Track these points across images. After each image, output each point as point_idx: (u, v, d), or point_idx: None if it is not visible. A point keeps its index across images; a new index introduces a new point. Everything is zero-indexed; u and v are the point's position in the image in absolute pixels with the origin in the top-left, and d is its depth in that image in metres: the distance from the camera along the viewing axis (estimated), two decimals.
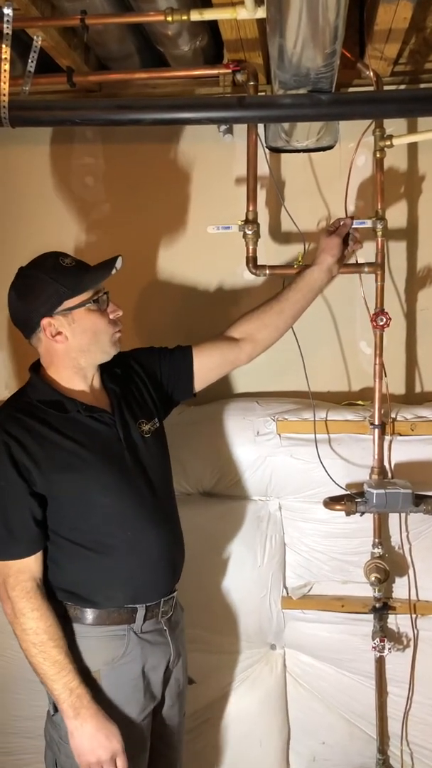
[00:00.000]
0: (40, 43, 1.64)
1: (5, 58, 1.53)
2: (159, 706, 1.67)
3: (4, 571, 1.50)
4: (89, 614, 1.56)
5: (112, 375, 1.69)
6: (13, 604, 1.49)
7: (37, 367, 1.65)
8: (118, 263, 1.61)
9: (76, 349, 1.58)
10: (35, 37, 1.64)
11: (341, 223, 1.83)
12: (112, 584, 1.57)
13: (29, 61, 1.64)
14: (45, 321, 1.55)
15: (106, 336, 1.60)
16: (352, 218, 1.85)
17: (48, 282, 1.54)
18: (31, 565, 1.52)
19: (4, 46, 1.51)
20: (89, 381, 1.64)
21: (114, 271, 1.61)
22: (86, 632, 1.55)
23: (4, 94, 1.55)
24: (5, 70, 1.53)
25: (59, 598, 1.56)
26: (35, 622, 1.48)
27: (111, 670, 1.55)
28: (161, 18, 1.56)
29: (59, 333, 1.56)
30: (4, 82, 1.54)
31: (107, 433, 1.60)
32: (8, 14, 1.49)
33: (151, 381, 1.76)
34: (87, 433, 1.57)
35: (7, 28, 1.50)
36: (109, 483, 1.57)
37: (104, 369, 1.67)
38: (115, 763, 1.49)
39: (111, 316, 1.61)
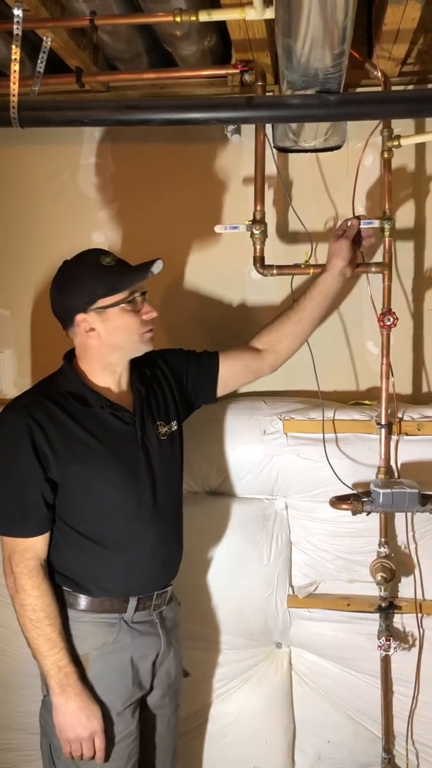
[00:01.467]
0: (49, 43, 1.65)
1: (15, 59, 1.53)
2: (148, 695, 1.72)
3: (10, 547, 1.57)
4: (82, 600, 1.62)
5: (140, 374, 1.73)
6: (16, 579, 1.56)
7: (70, 356, 1.70)
8: (156, 267, 1.63)
9: (108, 345, 1.63)
10: (45, 38, 1.65)
11: (348, 224, 1.84)
12: (107, 576, 1.63)
13: (38, 61, 1.65)
14: (79, 317, 1.60)
15: (136, 335, 1.64)
16: (359, 218, 1.85)
17: (86, 279, 1.59)
18: (37, 544, 1.58)
19: (14, 46, 1.52)
20: (117, 377, 1.68)
21: (151, 275, 1.63)
22: (78, 617, 1.61)
23: (14, 95, 1.56)
24: (15, 71, 1.54)
25: (56, 582, 1.62)
26: (34, 599, 1.54)
27: (100, 656, 1.61)
28: (170, 19, 1.56)
29: (92, 329, 1.60)
30: (14, 83, 1.55)
31: (125, 431, 1.65)
32: (18, 15, 1.49)
33: (176, 383, 1.81)
34: (106, 428, 1.62)
35: (17, 28, 1.50)
36: (117, 479, 1.62)
37: (134, 367, 1.71)
38: (93, 743, 1.56)
39: (145, 317, 1.64)
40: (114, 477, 1.61)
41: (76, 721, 1.54)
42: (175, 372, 1.82)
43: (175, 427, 1.76)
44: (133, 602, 1.64)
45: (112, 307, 1.60)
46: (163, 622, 1.71)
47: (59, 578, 1.62)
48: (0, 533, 1.59)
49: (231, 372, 1.85)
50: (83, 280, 1.59)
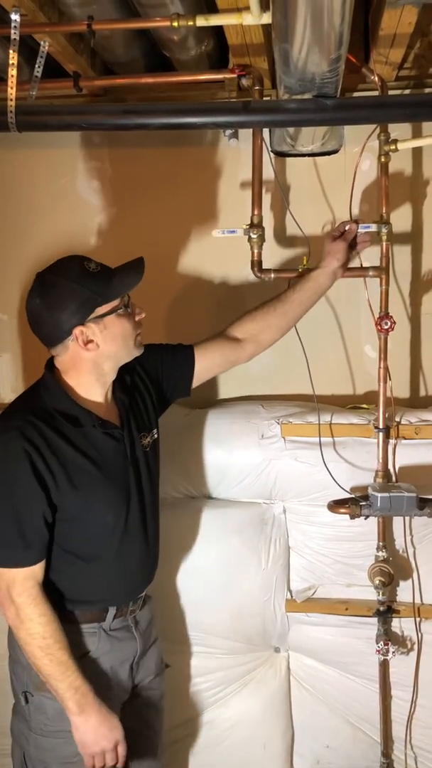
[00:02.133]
0: (47, 48, 1.66)
1: (13, 64, 1.54)
2: (133, 693, 1.73)
3: (10, 578, 1.51)
4: (61, 611, 1.58)
5: (122, 383, 1.69)
6: (20, 610, 1.50)
7: (51, 366, 1.63)
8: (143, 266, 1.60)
9: (105, 355, 1.57)
10: (42, 43, 1.65)
11: (346, 228, 1.83)
12: (92, 589, 1.62)
13: (36, 66, 1.65)
14: (77, 330, 1.52)
15: (132, 339, 1.61)
16: (357, 222, 1.85)
17: (77, 289, 1.51)
18: (37, 571, 1.53)
19: (11, 51, 1.52)
20: (106, 389, 1.63)
21: (142, 276, 1.60)
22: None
23: (12, 99, 1.56)
24: (12, 75, 1.54)
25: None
26: (42, 627, 1.50)
27: (81, 666, 1.57)
28: (167, 23, 1.56)
29: (90, 341, 1.54)
30: (12, 87, 1.56)
31: (116, 448, 1.62)
32: (15, 20, 1.49)
33: (154, 385, 1.78)
34: (98, 449, 1.59)
35: (15, 33, 1.50)
36: (111, 500, 1.60)
37: (117, 376, 1.66)
38: (116, 751, 1.56)
39: (137, 319, 1.62)
40: (108, 500, 1.59)
41: (100, 735, 1.53)
42: (152, 373, 1.78)
43: (156, 435, 1.74)
44: (112, 611, 1.64)
45: (109, 315, 1.55)
46: (137, 625, 1.72)
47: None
48: (1, 564, 1.52)
49: (208, 363, 1.81)
50: (76, 291, 1.51)
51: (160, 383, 1.79)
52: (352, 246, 1.85)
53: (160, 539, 1.76)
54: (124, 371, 1.68)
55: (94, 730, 1.52)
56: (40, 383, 1.63)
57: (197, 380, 1.82)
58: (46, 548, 1.55)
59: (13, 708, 1.67)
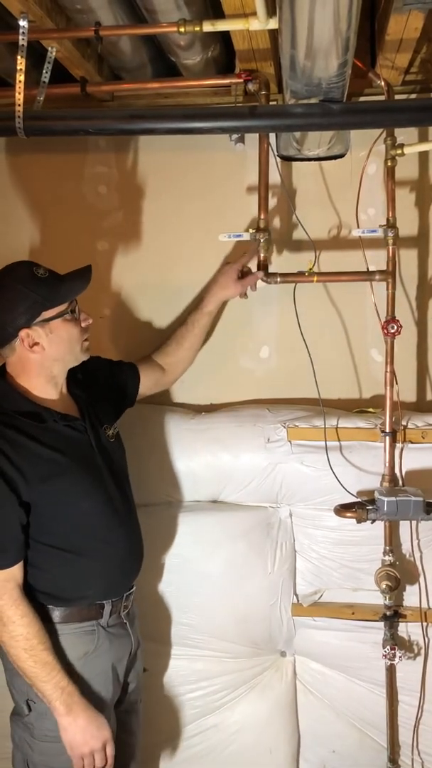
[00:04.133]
0: (54, 54, 1.67)
1: (20, 69, 1.54)
2: (122, 696, 1.74)
3: None
4: (60, 612, 1.61)
5: (75, 380, 1.75)
6: (2, 612, 1.52)
7: (2, 374, 1.67)
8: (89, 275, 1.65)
9: (51, 358, 1.62)
10: (50, 49, 1.66)
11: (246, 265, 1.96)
12: (86, 583, 1.63)
13: (44, 71, 1.67)
14: (23, 332, 1.57)
15: (78, 344, 1.65)
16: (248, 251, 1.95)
17: (25, 292, 1.57)
18: (15, 572, 1.55)
19: (19, 57, 1.53)
20: (59, 388, 1.69)
21: (88, 283, 1.65)
22: (57, 630, 1.60)
23: (19, 105, 1.57)
24: (20, 81, 1.55)
25: (39, 600, 1.59)
26: (25, 629, 1.52)
27: (84, 665, 1.61)
28: (174, 29, 1.57)
29: (36, 343, 1.59)
30: (19, 93, 1.56)
31: (80, 439, 1.66)
32: (23, 26, 1.50)
33: (108, 388, 1.85)
34: (63, 441, 1.62)
35: (23, 39, 1.51)
36: (86, 488, 1.63)
37: (68, 375, 1.72)
38: (105, 751, 1.57)
39: (83, 325, 1.66)
40: (82, 486, 1.62)
41: (88, 735, 1.54)
42: (106, 378, 1.86)
43: (117, 429, 1.79)
44: (108, 607, 1.65)
45: (55, 319, 1.60)
46: (131, 621, 1.74)
47: (39, 596, 1.59)
48: None
49: (147, 382, 1.95)
50: (23, 293, 1.56)
51: (113, 390, 1.87)
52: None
53: (141, 530, 1.78)
54: (75, 370, 1.73)
55: (83, 730, 1.53)
56: None
57: (139, 395, 1.93)
58: (24, 550, 1.56)
59: (11, 716, 1.66)
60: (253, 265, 1.99)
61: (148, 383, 1.96)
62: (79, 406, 1.71)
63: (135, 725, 1.83)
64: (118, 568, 1.69)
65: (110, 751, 1.58)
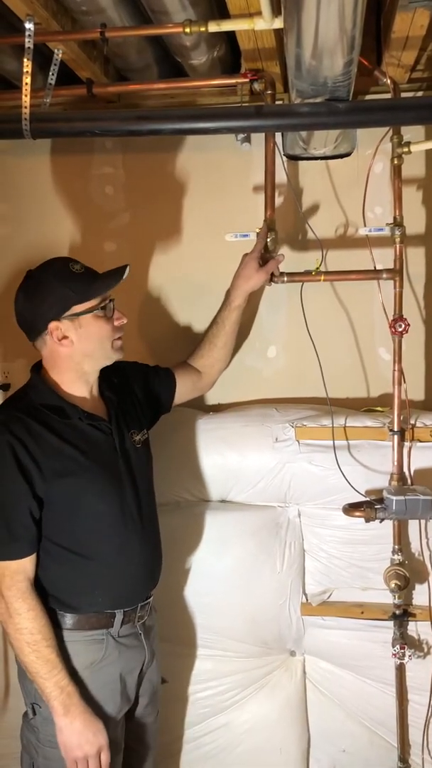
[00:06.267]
0: (60, 56, 1.67)
1: (27, 72, 1.55)
2: (133, 707, 1.73)
3: (0, 571, 1.53)
4: (69, 619, 1.60)
5: (109, 383, 1.74)
6: (9, 603, 1.52)
7: (38, 368, 1.68)
8: (126, 273, 1.65)
9: (81, 353, 1.62)
10: (56, 51, 1.67)
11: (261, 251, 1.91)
12: (95, 589, 1.61)
13: (50, 73, 1.67)
14: (52, 324, 1.59)
15: (109, 342, 1.65)
16: (266, 237, 1.91)
17: (57, 286, 1.58)
18: (26, 565, 1.55)
19: (25, 59, 1.53)
20: (90, 386, 1.68)
21: (121, 280, 1.64)
22: (66, 637, 1.59)
23: (26, 107, 1.58)
24: (27, 83, 1.56)
25: (50, 605, 1.59)
26: (30, 622, 1.52)
27: (90, 674, 1.60)
28: (179, 30, 1.58)
29: (65, 337, 1.60)
30: (26, 95, 1.57)
31: (104, 441, 1.65)
32: (30, 29, 1.51)
33: (142, 394, 1.84)
34: (86, 440, 1.62)
35: (29, 42, 1.52)
36: (104, 490, 1.62)
37: (103, 377, 1.72)
38: (99, 758, 1.55)
39: (116, 323, 1.66)
40: (99, 488, 1.61)
41: (83, 739, 1.52)
42: (141, 384, 1.86)
43: (147, 435, 1.78)
44: (119, 616, 1.64)
45: (86, 314, 1.60)
46: (146, 633, 1.72)
47: (45, 599, 1.59)
48: None
49: (183, 389, 1.94)
50: (55, 287, 1.58)
51: (148, 396, 1.86)
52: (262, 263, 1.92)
53: (161, 539, 1.77)
54: (112, 373, 1.74)
55: (79, 733, 1.52)
56: (26, 384, 1.69)
57: (176, 401, 1.93)
58: (36, 543, 1.56)
59: (23, 717, 1.67)
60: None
61: (184, 388, 1.94)
62: (109, 409, 1.70)
63: (148, 735, 1.80)
64: (130, 577, 1.66)
65: (105, 759, 1.55)
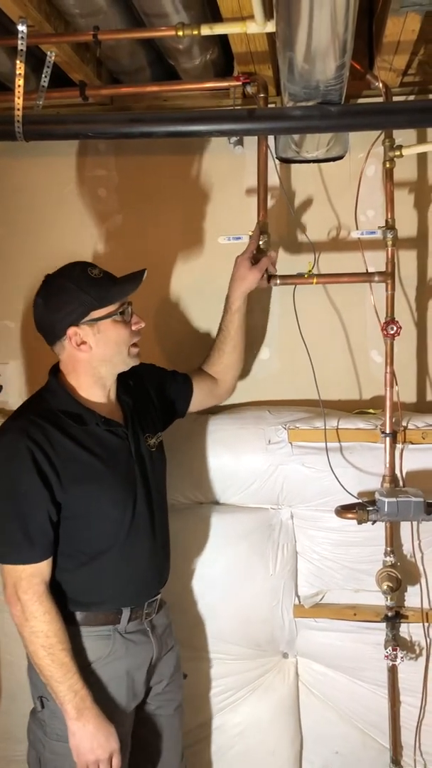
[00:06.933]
0: (53, 58, 1.67)
1: (20, 74, 1.55)
2: (145, 700, 1.73)
3: (16, 575, 1.53)
4: (77, 616, 1.61)
5: (126, 387, 1.74)
6: (25, 607, 1.52)
7: (55, 371, 1.69)
8: (144, 276, 1.65)
9: (99, 358, 1.63)
10: (49, 53, 1.67)
11: (253, 251, 1.89)
12: (103, 588, 1.63)
13: (43, 76, 1.67)
14: (71, 330, 1.59)
15: (126, 347, 1.65)
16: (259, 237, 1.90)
17: (76, 292, 1.58)
18: (43, 568, 1.55)
19: (18, 62, 1.53)
20: (107, 391, 1.69)
21: (140, 285, 1.65)
22: (73, 633, 1.59)
23: (19, 109, 1.57)
24: (19, 85, 1.56)
25: (63, 604, 1.59)
26: (46, 625, 1.52)
27: (97, 669, 1.60)
28: (172, 33, 1.58)
29: (84, 342, 1.60)
30: (19, 97, 1.57)
31: (120, 446, 1.66)
32: (22, 31, 1.51)
33: (158, 398, 1.84)
34: (103, 445, 1.62)
35: (22, 44, 1.52)
36: (119, 496, 1.63)
37: (119, 380, 1.72)
38: (111, 762, 1.55)
39: (134, 328, 1.66)
40: (115, 494, 1.62)
41: (96, 743, 1.52)
42: (157, 387, 1.86)
43: (161, 438, 1.79)
44: (126, 613, 1.65)
45: (105, 319, 1.60)
46: (154, 630, 1.72)
47: (60, 598, 1.59)
48: (6, 561, 1.55)
49: (199, 395, 1.93)
50: (74, 292, 1.58)
51: (163, 399, 1.86)
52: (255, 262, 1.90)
53: (170, 540, 1.78)
54: (127, 377, 1.74)
55: (91, 737, 1.52)
56: (44, 388, 1.69)
57: (192, 407, 1.93)
58: (52, 546, 1.57)
59: (30, 712, 1.67)
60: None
61: (201, 395, 1.94)
62: (125, 413, 1.71)
63: (165, 728, 1.80)
64: (139, 577, 1.67)
65: (116, 763, 1.55)
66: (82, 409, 1.62)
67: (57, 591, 1.59)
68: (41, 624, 1.52)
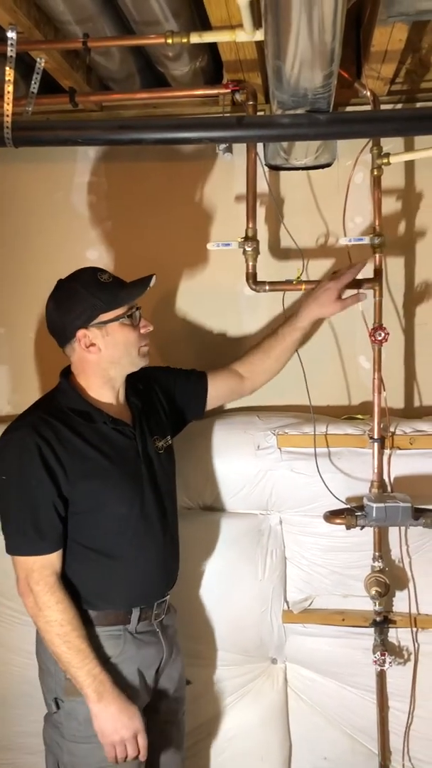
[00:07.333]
0: (43, 65, 1.68)
1: (9, 80, 1.55)
2: (152, 703, 1.74)
3: (28, 567, 1.57)
4: (88, 615, 1.62)
5: (135, 389, 1.78)
6: (38, 597, 1.56)
7: (66, 373, 1.73)
8: (152, 282, 1.68)
9: (107, 360, 1.66)
10: (38, 60, 1.68)
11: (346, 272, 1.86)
12: (113, 588, 1.65)
13: (32, 82, 1.68)
14: (80, 332, 1.63)
15: (135, 349, 1.69)
16: (353, 266, 1.87)
17: (85, 295, 1.62)
18: (54, 560, 1.59)
19: (8, 68, 1.54)
20: (116, 392, 1.72)
21: (147, 289, 1.68)
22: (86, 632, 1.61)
23: (8, 115, 1.58)
24: (9, 92, 1.56)
25: (78, 603, 1.61)
26: (60, 614, 1.55)
27: (110, 668, 1.61)
28: (162, 41, 1.59)
29: (93, 344, 1.64)
30: (8, 104, 1.58)
31: (128, 445, 1.69)
32: (12, 37, 1.52)
33: (167, 400, 1.86)
34: (110, 444, 1.65)
35: (11, 50, 1.52)
36: (125, 494, 1.65)
37: (129, 383, 1.75)
38: (137, 741, 1.58)
39: (142, 331, 1.70)
40: (121, 491, 1.64)
41: (120, 723, 1.56)
42: (166, 389, 1.87)
43: (170, 441, 1.81)
44: (136, 613, 1.67)
45: (113, 322, 1.64)
46: (164, 630, 1.75)
47: (74, 598, 1.61)
48: (17, 553, 1.58)
49: (217, 392, 1.93)
50: (83, 296, 1.62)
51: (174, 401, 1.87)
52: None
53: (179, 543, 1.80)
54: (137, 379, 1.77)
55: (114, 718, 1.55)
56: (55, 388, 1.73)
57: (209, 405, 1.93)
58: (62, 539, 1.60)
59: (45, 716, 1.68)
60: (365, 273, 1.93)
61: (220, 392, 1.93)
62: (133, 414, 1.74)
63: (174, 734, 1.82)
64: (148, 577, 1.69)
65: (142, 741, 1.59)
66: (90, 408, 1.66)
67: (70, 589, 1.61)
68: (55, 613, 1.55)
